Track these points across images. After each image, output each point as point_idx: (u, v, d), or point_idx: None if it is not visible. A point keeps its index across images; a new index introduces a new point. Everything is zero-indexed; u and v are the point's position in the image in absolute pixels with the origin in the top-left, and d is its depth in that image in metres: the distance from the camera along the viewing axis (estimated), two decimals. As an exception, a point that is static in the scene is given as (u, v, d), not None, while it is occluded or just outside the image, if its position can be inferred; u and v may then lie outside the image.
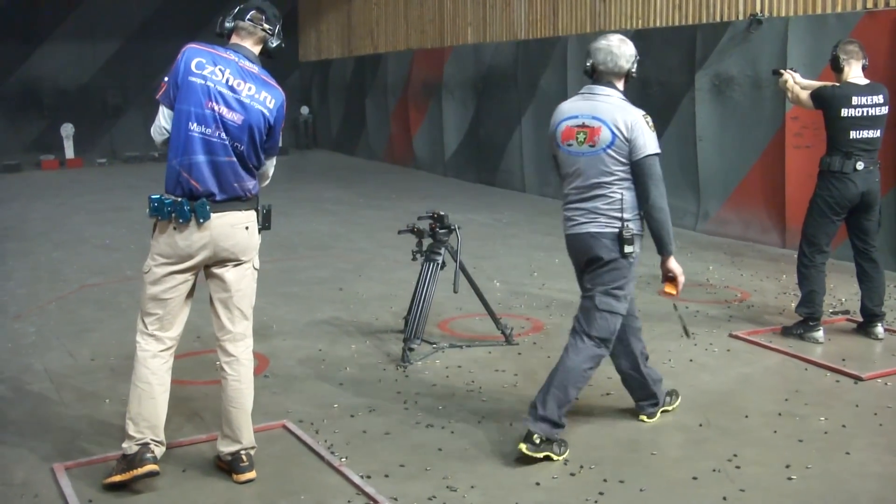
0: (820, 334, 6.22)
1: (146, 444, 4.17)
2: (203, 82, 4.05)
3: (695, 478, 4.22)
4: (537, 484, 4.19)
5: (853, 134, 5.99)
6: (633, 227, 4.44)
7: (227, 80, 4.09)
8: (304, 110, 20.71)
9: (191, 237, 4.11)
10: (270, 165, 4.40)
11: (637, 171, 4.38)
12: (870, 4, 8.37)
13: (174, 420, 4.94)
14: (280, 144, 4.36)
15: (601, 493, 4.09)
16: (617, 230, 4.42)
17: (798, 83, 6.37)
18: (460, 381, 5.56)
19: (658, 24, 10.85)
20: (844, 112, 5.98)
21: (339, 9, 19.63)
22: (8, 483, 4.27)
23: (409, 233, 6.30)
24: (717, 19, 9.99)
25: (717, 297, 7.46)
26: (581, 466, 4.35)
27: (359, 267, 8.79)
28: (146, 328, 4.23)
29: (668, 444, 4.63)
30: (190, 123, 4.05)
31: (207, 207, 4.08)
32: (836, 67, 6.16)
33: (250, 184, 4.25)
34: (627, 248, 4.42)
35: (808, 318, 6.23)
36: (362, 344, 6.34)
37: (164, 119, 4.12)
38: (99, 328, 6.81)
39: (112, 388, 5.49)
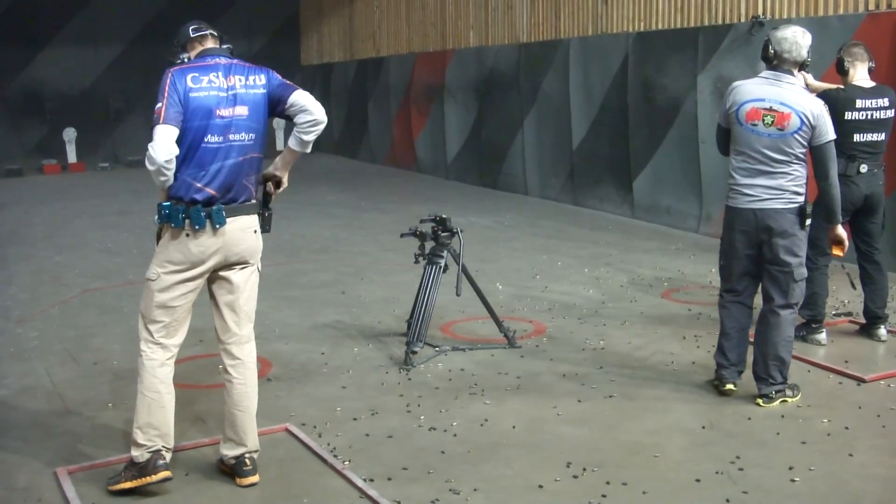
0: (823, 336, 6.21)
1: (158, 451, 4.18)
2: (207, 94, 4.07)
3: (698, 480, 4.22)
4: (540, 486, 4.19)
5: (857, 137, 5.98)
6: (808, 202, 5.03)
7: (224, 83, 4.11)
8: None
9: (205, 243, 4.12)
10: (304, 96, 4.18)
11: (818, 154, 4.97)
12: (872, 6, 8.37)
13: (177, 424, 4.92)
14: (292, 84, 4.25)
15: (604, 496, 4.08)
16: (798, 205, 4.97)
17: (810, 84, 6.36)
18: (463, 384, 5.56)
19: (660, 27, 10.84)
20: (848, 115, 5.95)
21: (340, 12, 19.65)
22: (11, 487, 4.28)
23: (411, 236, 6.30)
24: (719, 22, 9.99)
25: (719, 300, 7.45)
26: (584, 469, 4.35)
27: (361, 270, 8.79)
28: (152, 336, 4.21)
29: (671, 446, 4.62)
30: (204, 137, 4.06)
31: (223, 213, 4.10)
32: (841, 70, 6.15)
33: (256, 178, 4.28)
34: (808, 221, 5.00)
35: (810, 320, 6.22)
36: (365, 347, 6.34)
37: (167, 138, 3.98)
38: (101, 333, 6.81)
39: (115, 392, 5.50)
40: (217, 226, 4.10)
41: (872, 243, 6.23)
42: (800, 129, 4.90)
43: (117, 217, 12.20)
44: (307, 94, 4.24)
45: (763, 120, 4.95)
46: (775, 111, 4.93)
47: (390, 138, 17.66)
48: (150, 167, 4.02)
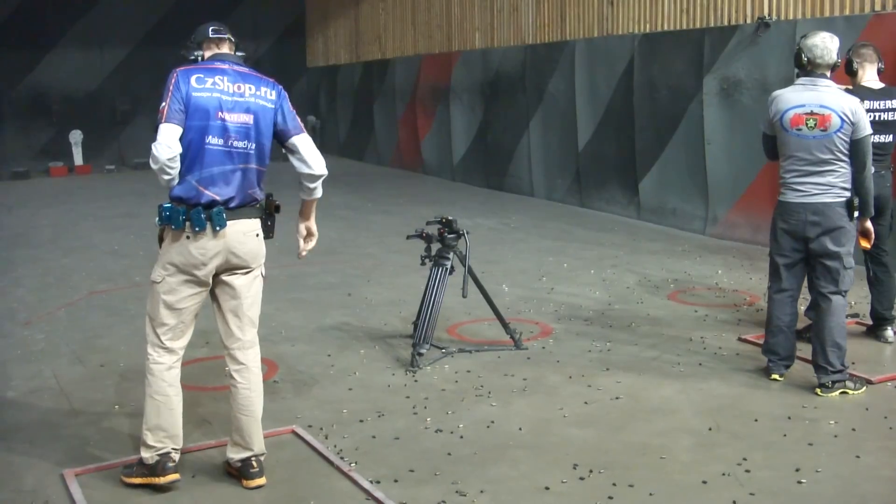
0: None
1: (167, 454, 4.20)
2: (210, 95, 4.08)
3: (704, 482, 4.22)
4: (546, 488, 4.18)
5: None
6: (855, 195, 5.29)
7: (229, 88, 4.13)
8: (311, 119, 20.79)
9: (206, 245, 4.11)
10: (305, 144, 4.28)
11: (856, 147, 5.24)
12: (878, 6, 8.35)
13: (183, 426, 4.95)
14: (299, 123, 4.32)
15: (610, 498, 4.08)
16: (846, 199, 5.26)
17: None
18: (469, 386, 5.56)
19: (666, 28, 10.83)
20: None
21: (346, 14, 19.66)
22: (18, 490, 4.28)
23: (417, 238, 6.30)
24: (725, 23, 9.98)
25: (726, 301, 7.45)
26: (590, 471, 4.34)
27: (367, 272, 8.80)
28: (159, 340, 4.22)
29: (678, 448, 4.61)
30: (206, 137, 4.06)
31: (224, 215, 4.09)
32: (850, 71, 6.13)
33: (259, 189, 4.27)
34: (855, 214, 5.28)
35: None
36: (371, 349, 6.34)
37: (171, 137, 4.01)
38: (108, 334, 6.82)
39: (122, 394, 5.51)
40: (217, 228, 4.09)
41: (880, 245, 6.20)
42: (841, 127, 5.19)
43: (124, 219, 12.22)
44: (310, 141, 4.30)
45: (806, 124, 5.25)
46: (816, 114, 5.23)
47: (396, 140, 17.67)
48: (153, 166, 4.05)
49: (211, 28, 4.33)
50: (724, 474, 4.28)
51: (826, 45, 5.29)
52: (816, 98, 5.25)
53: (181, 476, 4.26)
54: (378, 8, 18.16)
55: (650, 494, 4.11)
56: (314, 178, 4.32)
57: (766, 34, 9.33)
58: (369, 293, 7.94)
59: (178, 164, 4.04)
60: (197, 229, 4.07)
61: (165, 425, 4.20)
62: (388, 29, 17.84)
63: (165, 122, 4.02)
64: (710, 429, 4.84)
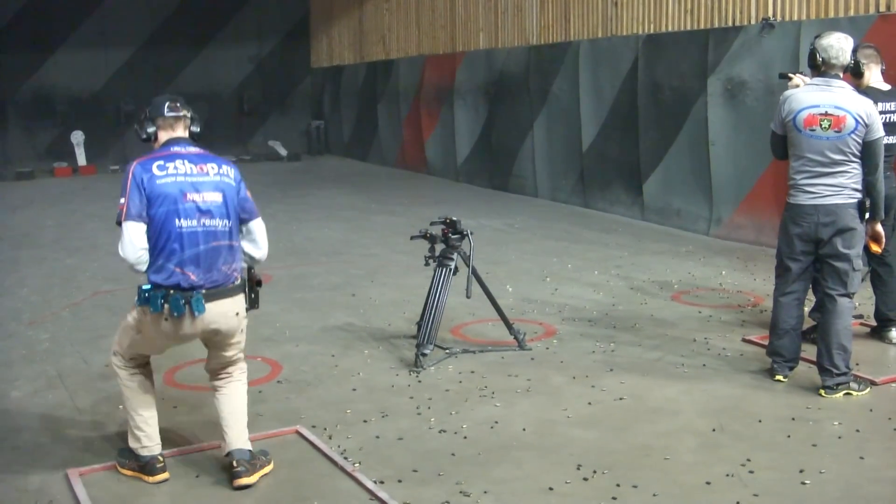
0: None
1: (154, 456, 4.35)
2: (174, 179, 4.10)
3: (708, 483, 4.22)
4: (550, 489, 4.18)
5: None
6: (866, 197, 5.27)
7: (192, 170, 4.16)
8: (314, 124, 20.88)
9: (183, 327, 4.16)
10: (261, 229, 4.40)
11: (869, 149, 5.22)
12: (883, 7, 8.34)
13: (187, 427, 4.96)
14: (252, 204, 4.39)
15: (614, 498, 4.08)
16: (857, 200, 5.24)
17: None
18: (473, 387, 5.56)
19: (670, 29, 10.83)
20: None
21: (350, 15, 19.67)
22: (23, 489, 4.29)
23: (421, 238, 6.31)
24: (729, 24, 9.97)
25: (729, 302, 7.44)
26: (594, 471, 4.34)
27: (371, 272, 8.80)
28: (123, 360, 4.41)
29: (682, 448, 4.61)
30: (176, 221, 4.08)
31: (203, 301, 4.10)
32: (857, 72, 6.09)
33: (238, 266, 4.30)
34: (866, 216, 5.27)
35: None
36: (375, 349, 6.34)
37: (136, 237, 4.09)
38: (112, 334, 6.77)
39: (126, 393, 5.51)
40: (196, 314, 4.10)
41: (885, 246, 6.20)
42: (855, 129, 5.18)
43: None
44: (263, 227, 4.41)
45: (820, 125, 5.22)
46: (831, 115, 5.20)
47: (400, 141, 17.67)
48: (123, 263, 4.16)
49: (166, 106, 4.29)
50: (727, 475, 4.28)
51: (841, 45, 5.28)
52: (831, 99, 5.23)
53: (186, 473, 4.31)
54: (382, 8, 18.16)
55: (654, 495, 4.11)
56: (256, 262, 4.42)
57: (771, 35, 9.32)
58: (373, 294, 7.94)
59: (146, 259, 4.11)
60: (175, 314, 4.09)
61: (151, 421, 4.39)
62: (392, 29, 17.85)
63: (126, 220, 4.08)
64: (713, 430, 4.84)
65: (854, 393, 5.27)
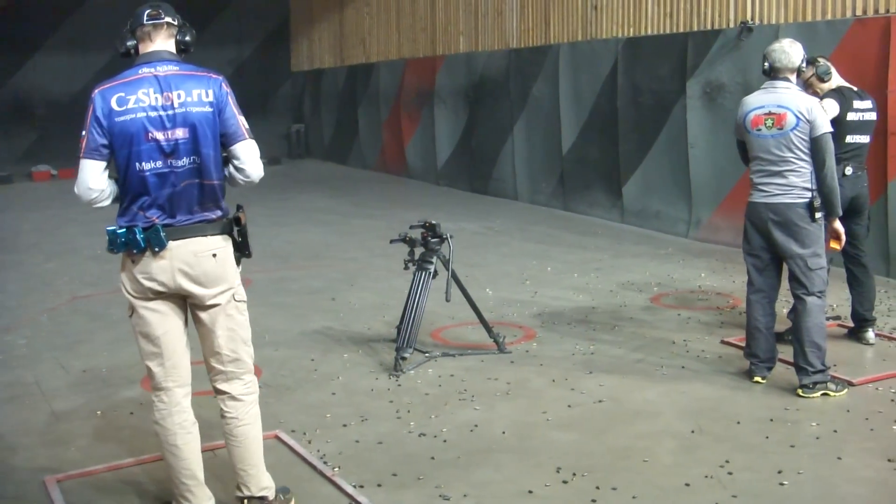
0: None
1: None
2: (134, 117, 3.62)
3: (687, 484, 4.23)
4: (530, 492, 4.19)
5: (849, 139, 6.02)
6: (817, 196, 5.32)
7: (156, 101, 3.64)
8: (294, 127, 20.85)
9: (148, 268, 3.72)
10: (247, 152, 3.78)
11: (815, 146, 5.30)
12: (859, 12, 8.40)
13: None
14: (245, 126, 3.79)
15: (593, 501, 4.09)
16: (807, 200, 5.32)
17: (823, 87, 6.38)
18: (453, 390, 5.56)
19: (649, 32, 10.87)
20: (851, 116, 6.04)
21: (330, 18, 19.66)
22: (-1, 496, 4.27)
23: (401, 242, 6.30)
24: (708, 27, 10.02)
25: (708, 304, 7.48)
26: (573, 474, 4.35)
27: (351, 276, 8.79)
28: (154, 379, 3.86)
29: (661, 450, 4.63)
30: (137, 164, 3.64)
31: (162, 234, 3.66)
32: (826, 75, 6.16)
33: (217, 204, 3.81)
34: (817, 215, 5.32)
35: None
36: (354, 353, 6.33)
37: (90, 175, 3.66)
38: (90, 340, 6.79)
39: (104, 399, 5.48)
40: (157, 248, 3.67)
41: (859, 246, 6.25)
42: (797, 125, 5.30)
43: (106, 224, 12.12)
44: (254, 148, 3.82)
45: (765, 123, 5.40)
46: (773, 114, 5.38)
47: (380, 144, 17.67)
48: (79, 200, 3.76)
49: (146, 13, 3.74)
50: (706, 477, 4.30)
51: (784, 49, 5.43)
52: (775, 99, 5.40)
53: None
54: (362, 12, 18.16)
55: (633, 497, 4.12)
56: (244, 183, 3.86)
57: (749, 38, 9.37)
58: (353, 297, 7.93)
59: (105, 197, 3.73)
60: (135, 251, 3.70)
61: (182, 476, 3.86)
62: (372, 33, 17.85)
63: (84, 155, 3.65)
64: (692, 431, 4.86)
65: (831, 394, 5.31)
